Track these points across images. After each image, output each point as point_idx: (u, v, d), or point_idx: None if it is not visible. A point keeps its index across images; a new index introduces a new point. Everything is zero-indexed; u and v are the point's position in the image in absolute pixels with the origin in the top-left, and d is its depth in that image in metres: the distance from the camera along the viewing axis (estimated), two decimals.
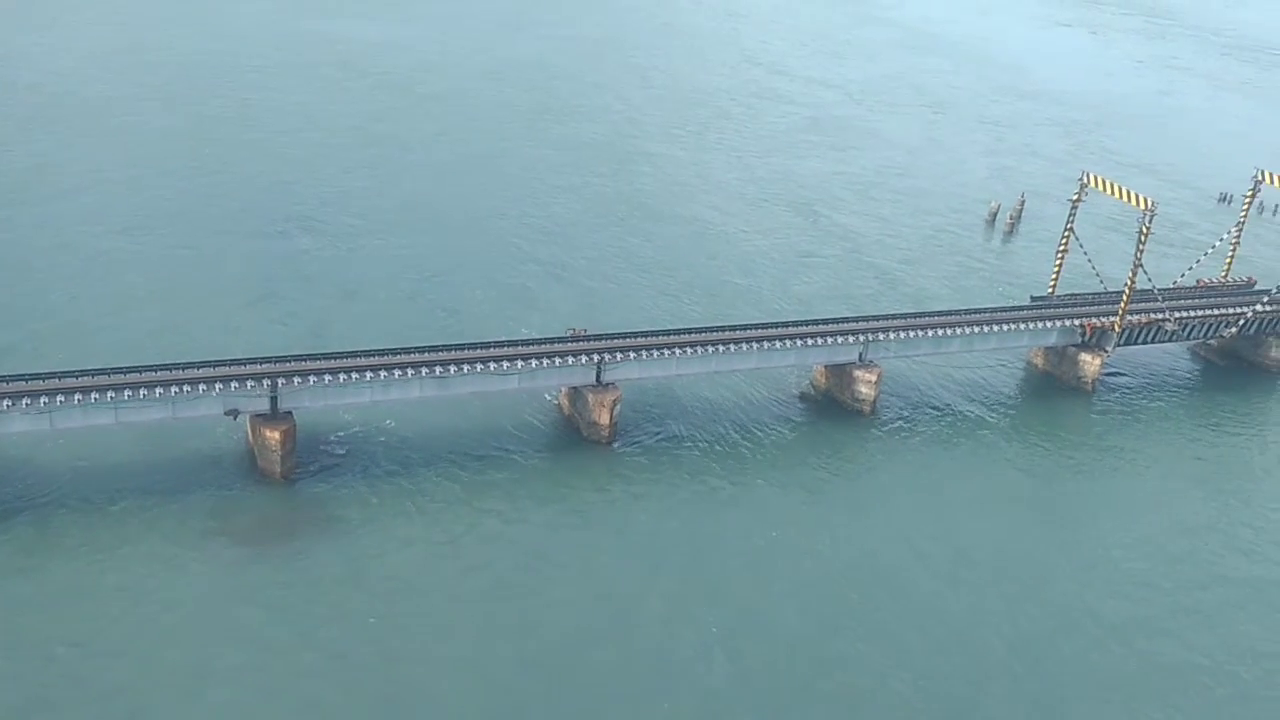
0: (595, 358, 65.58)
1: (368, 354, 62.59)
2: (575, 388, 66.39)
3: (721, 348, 68.70)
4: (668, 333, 69.78)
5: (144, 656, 47.24)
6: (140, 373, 58.05)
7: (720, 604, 54.01)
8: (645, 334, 69.27)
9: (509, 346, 65.80)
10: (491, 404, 66.55)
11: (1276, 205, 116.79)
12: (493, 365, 63.45)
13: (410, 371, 61.98)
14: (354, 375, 60.84)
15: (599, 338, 67.71)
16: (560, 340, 67.06)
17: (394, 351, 63.15)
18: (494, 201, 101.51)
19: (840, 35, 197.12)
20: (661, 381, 70.40)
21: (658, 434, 67.36)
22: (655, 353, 67.23)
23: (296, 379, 59.65)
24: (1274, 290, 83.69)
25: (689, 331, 70.19)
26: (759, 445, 67.62)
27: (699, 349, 68.21)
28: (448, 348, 64.58)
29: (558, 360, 64.92)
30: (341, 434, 63.25)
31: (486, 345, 65.38)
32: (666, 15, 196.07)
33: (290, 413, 59.82)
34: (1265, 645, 55.40)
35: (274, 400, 59.23)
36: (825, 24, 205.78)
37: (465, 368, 62.96)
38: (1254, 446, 76.04)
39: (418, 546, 55.62)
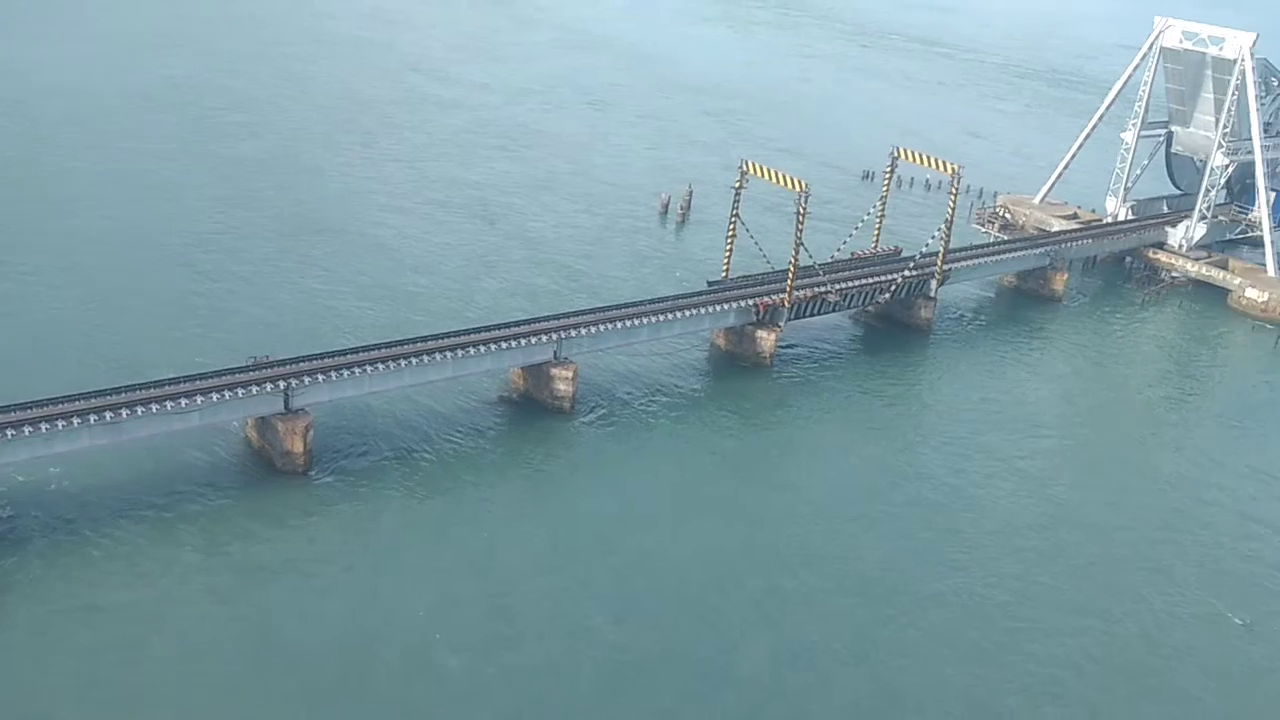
0: (282, 384, 62.60)
1: (22, 406, 56.80)
2: (263, 418, 63.15)
3: (414, 360, 67.39)
4: (357, 350, 67.64)
5: None
6: None
7: (448, 614, 53.04)
8: (333, 354, 66.82)
9: (186, 381, 61.50)
10: (173, 445, 62.16)
11: (913, 179, 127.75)
12: (169, 403, 59.21)
13: (77, 420, 56.80)
14: (8, 431, 55.07)
15: (284, 363, 64.65)
16: (242, 369, 63.51)
17: (54, 401, 57.65)
18: (153, 229, 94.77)
19: (499, 39, 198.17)
20: (356, 402, 68.21)
21: (357, 456, 65.22)
22: (346, 372, 65.03)
23: None
24: (918, 257, 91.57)
25: (379, 347, 68.33)
26: (462, 454, 66.91)
27: (391, 364, 66.60)
28: (117, 390, 59.64)
29: (241, 391, 61.47)
30: None
31: (161, 383, 60.89)
32: (320, 27, 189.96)
33: None
34: (924, 547, 60.79)
35: None
36: (484, 28, 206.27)
37: (139, 409, 58.41)
38: (913, 395, 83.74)
39: (104, 614, 51.14)
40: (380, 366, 66.16)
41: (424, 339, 70.12)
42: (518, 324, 73.81)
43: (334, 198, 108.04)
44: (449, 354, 68.62)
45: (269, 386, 62.23)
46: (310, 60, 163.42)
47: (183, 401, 59.61)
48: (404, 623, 52.64)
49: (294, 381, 63.01)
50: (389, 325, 79.73)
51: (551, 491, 65.32)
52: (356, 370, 65.36)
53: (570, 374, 72.46)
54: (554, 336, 72.66)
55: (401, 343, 69.18)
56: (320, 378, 64.06)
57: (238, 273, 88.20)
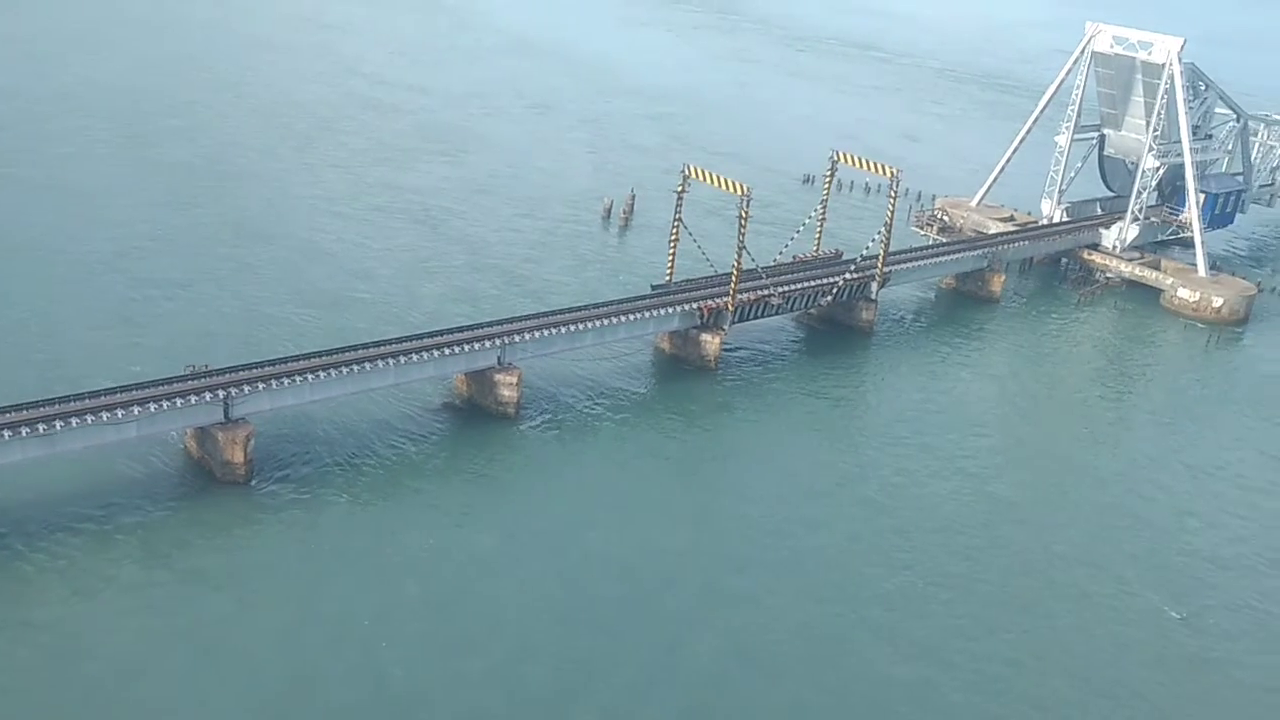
0: (221, 393, 61.65)
1: None
2: (203, 428, 62.10)
3: (356, 367, 66.69)
4: (297, 358, 66.78)
5: None
6: None
7: (393, 621, 52.52)
8: (273, 362, 65.85)
9: (122, 392, 60.31)
10: (110, 457, 60.92)
11: (853, 182, 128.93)
12: (105, 415, 58.03)
13: (8, 433, 55.45)
14: None
15: (223, 371, 63.70)
16: (181, 379, 62.38)
17: None
18: (85, 236, 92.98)
19: (439, 44, 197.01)
20: (298, 410, 67.31)
21: (299, 465, 64.36)
22: (287, 381, 64.14)
23: None
24: (859, 259, 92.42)
25: (320, 354, 67.54)
26: (406, 461, 66.35)
27: (333, 371, 65.86)
28: (50, 401, 58.33)
29: (179, 401, 60.41)
30: None
31: (96, 393, 59.64)
32: (256, 30, 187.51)
33: None
34: (868, 547, 61.48)
35: None
36: (423, 32, 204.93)
37: (74, 421, 57.18)
38: (855, 396, 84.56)
39: (40, 630, 49.95)
40: (322, 374, 65.39)
41: (366, 345, 69.40)
42: (461, 329, 73.34)
43: (273, 203, 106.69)
44: (391, 361, 68.00)
45: (208, 396, 61.23)
46: (246, 65, 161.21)
47: (119, 412, 58.47)
48: (349, 631, 52.05)
49: (234, 390, 62.05)
50: (330, 332, 78.92)
51: (496, 496, 64.96)
52: (298, 378, 64.53)
53: (514, 379, 72.12)
54: (498, 342, 72.29)
55: (343, 350, 68.44)
56: (261, 386, 63.15)
57: (174, 280, 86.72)
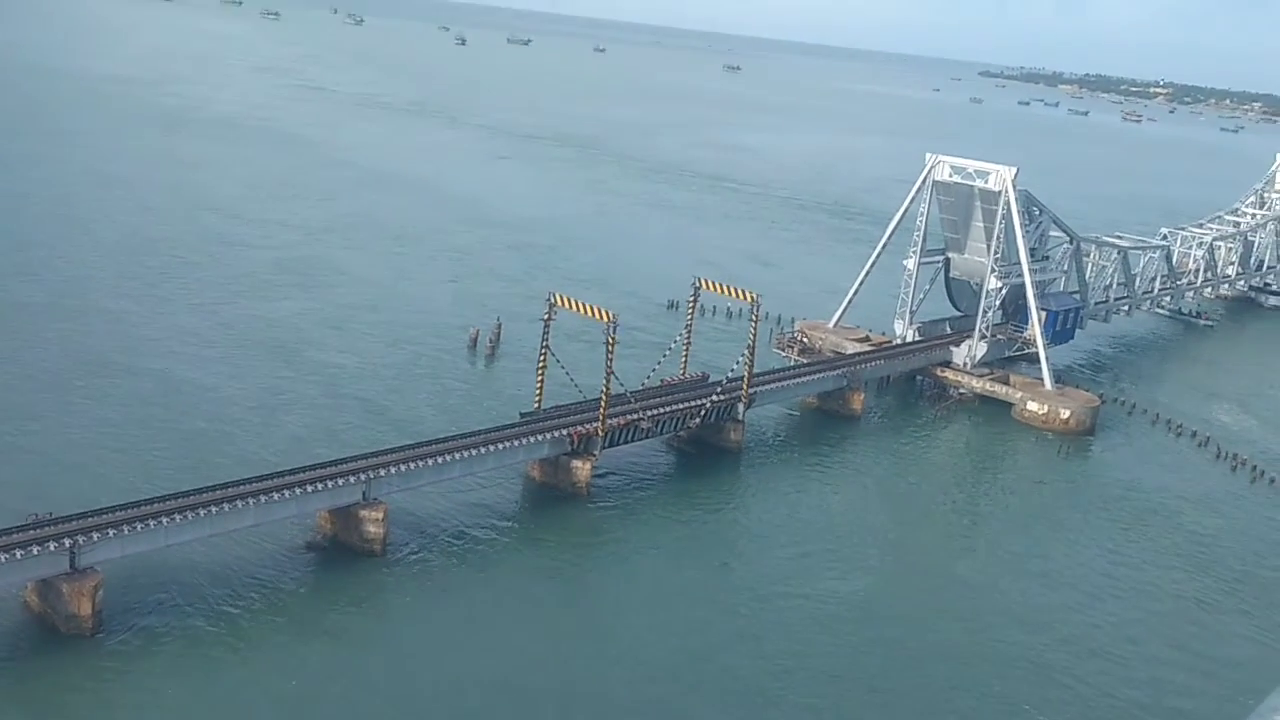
0: (67, 542, 58.13)
1: None
2: (45, 579, 58.27)
3: (214, 508, 63.85)
4: (151, 501, 63.68)
5: None
6: None
7: None
8: (125, 506, 62.56)
9: None
10: None
11: (715, 307, 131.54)
12: None
13: None
14: None
15: (70, 518, 60.17)
16: (21, 528, 58.63)
17: None
18: None
19: (299, 178, 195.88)
20: (152, 556, 63.82)
21: (151, 614, 60.68)
22: (139, 525, 60.94)
23: None
24: (724, 381, 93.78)
25: (175, 496, 64.52)
26: (267, 605, 63.25)
27: (189, 514, 62.88)
28: None
29: (19, 552, 56.65)
30: None
31: None
32: (102, 169, 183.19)
33: None
34: (735, 664, 60.87)
35: None
36: (281, 168, 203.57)
37: None
38: (726, 516, 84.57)
39: None
40: (177, 517, 62.39)
41: (224, 485, 66.67)
42: (323, 465, 71.20)
43: (123, 340, 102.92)
44: (251, 500, 65.39)
45: (52, 545, 57.64)
46: (93, 202, 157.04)
47: None
48: None
49: (81, 538, 58.59)
50: (186, 471, 75.46)
51: (360, 639, 62.21)
52: (151, 522, 61.40)
53: (380, 515, 70.05)
54: (362, 477, 70.37)
55: (200, 490, 65.55)
56: (111, 533, 59.78)
57: (16, 423, 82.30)
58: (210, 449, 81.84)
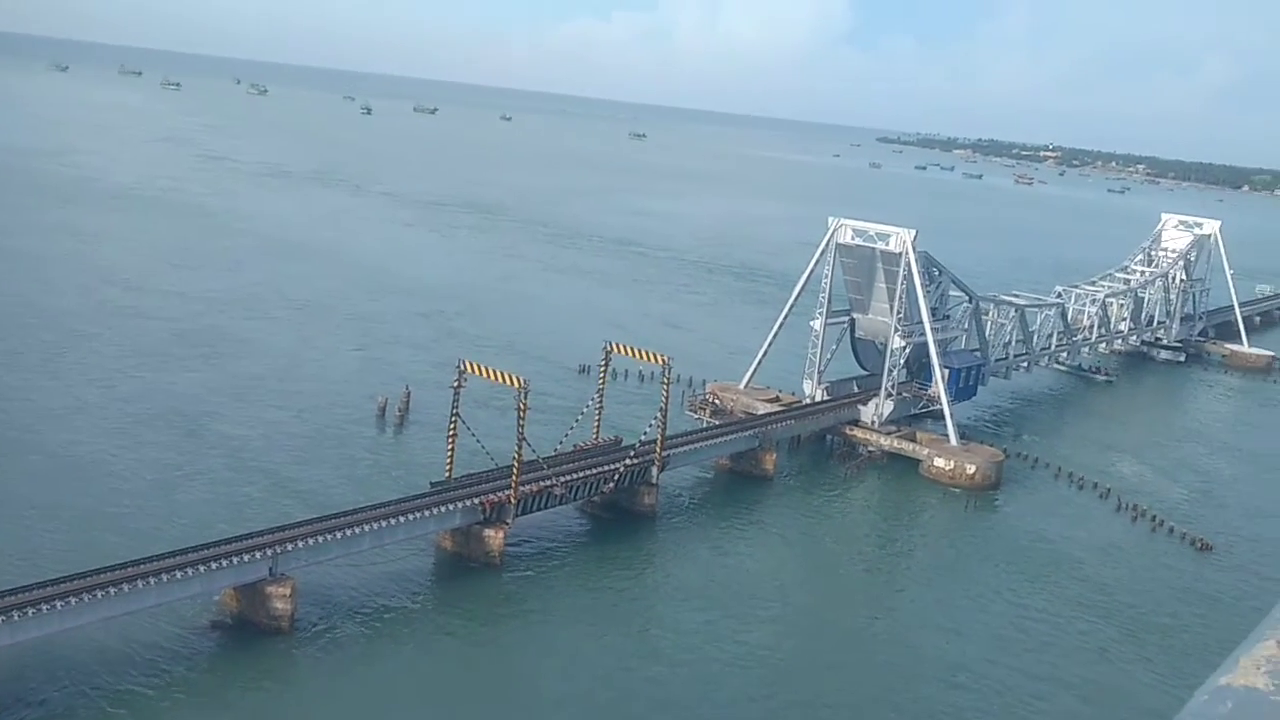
0: None
1: None
2: None
3: (112, 589, 61.44)
4: (43, 584, 61.02)
5: None
6: None
7: None
8: (12, 591, 59.75)
9: None
10: None
11: (626, 371, 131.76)
12: None
13: None
14: None
15: None
16: None
17: None
18: None
19: (198, 248, 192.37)
20: (42, 641, 61.07)
21: (38, 705, 57.87)
22: (31, 610, 58.27)
23: None
24: (638, 445, 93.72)
25: (69, 578, 61.90)
26: (168, 689, 60.81)
27: (85, 596, 60.40)
28: None
29: None
30: None
31: None
32: None
33: None
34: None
35: None
36: (181, 238, 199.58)
37: None
38: (642, 581, 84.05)
39: None
40: (72, 600, 59.83)
41: (123, 565, 64.23)
42: (228, 541, 69.13)
43: (13, 416, 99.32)
44: (151, 579, 63.08)
45: None
46: None
47: None
48: None
49: None
50: (80, 551, 72.55)
51: (268, 718, 60.31)
52: (43, 606, 58.74)
53: (288, 591, 68.13)
54: (268, 552, 68.49)
55: (96, 571, 63.06)
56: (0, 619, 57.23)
57: None
58: (107, 527, 79.02)
